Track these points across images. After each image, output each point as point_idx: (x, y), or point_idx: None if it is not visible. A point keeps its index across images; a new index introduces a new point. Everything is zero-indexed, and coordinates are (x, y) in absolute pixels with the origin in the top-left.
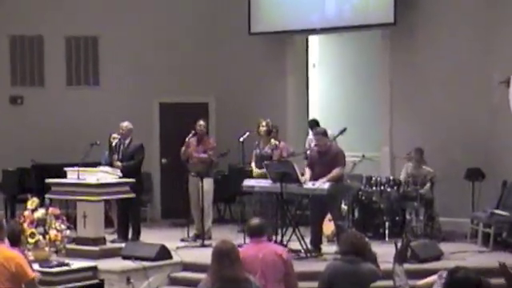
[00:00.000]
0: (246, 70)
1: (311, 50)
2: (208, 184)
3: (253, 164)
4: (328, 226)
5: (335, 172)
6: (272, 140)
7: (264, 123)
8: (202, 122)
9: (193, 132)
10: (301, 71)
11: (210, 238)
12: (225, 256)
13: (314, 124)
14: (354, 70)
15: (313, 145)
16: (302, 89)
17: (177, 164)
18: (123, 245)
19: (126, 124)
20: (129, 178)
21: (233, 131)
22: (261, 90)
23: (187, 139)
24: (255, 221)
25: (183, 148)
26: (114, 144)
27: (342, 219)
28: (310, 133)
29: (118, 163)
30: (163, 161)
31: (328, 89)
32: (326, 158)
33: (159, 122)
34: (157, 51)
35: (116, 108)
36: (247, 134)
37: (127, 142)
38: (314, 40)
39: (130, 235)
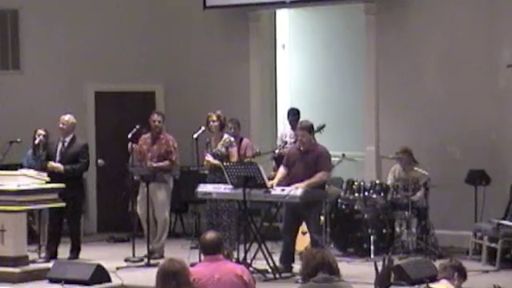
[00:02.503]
0: (201, 53)
1: (280, 28)
2: (164, 192)
3: (208, 157)
4: (302, 241)
5: (318, 177)
6: (225, 135)
7: (214, 116)
8: (156, 117)
9: (137, 127)
10: (267, 53)
11: (162, 256)
12: (171, 278)
13: (295, 114)
14: (332, 53)
15: (287, 140)
16: (269, 75)
17: (116, 166)
18: (50, 265)
19: (67, 117)
20: (69, 184)
21: (185, 126)
22: (219, 76)
23: (130, 136)
24: (210, 235)
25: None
26: (36, 142)
27: (319, 232)
28: (281, 128)
29: (59, 166)
30: (99, 162)
31: (300, 75)
32: (308, 159)
33: (95, 115)
34: (92, 28)
35: (41, 97)
36: (202, 129)
37: (68, 139)
38: (283, 15)
39: (68, 253)
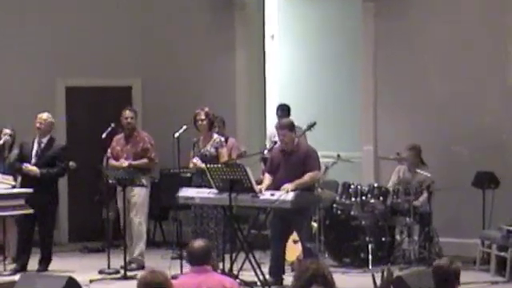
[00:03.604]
0: (182, 44)
1: (269, 16)
2: (141, 194)
3: (196, 159)
4: (292, 250)
5: (309, 177)
6: (215, 135)
7: (203, 114)
8: (128, 113)
9: (112, 126)
10: (255, 44)
11: (142, 267)
12: None
13: (284, 111)
14: (326, 43)
15: (277, 140)
16: (257, 68)
17: (89, 168)
18: (17, 278)
19: (45, 116)
20: (43, 189)
21: (165, 124)
22: (202, 69)
23: (104, 135)
24: (198, 243)
25: (108, 151)
26: (1, 142)
27: (312, 240)
28: (271, 126)
29: (35, 169)
30: (71, 164)
31: (291, 68)
32: (293, 160)
33: (65, 113)
34: (63, 17)
35: (7, 93)
36: (184, 127)
37: (45, 140)
38: (272, 2)
39: (37, 264)
